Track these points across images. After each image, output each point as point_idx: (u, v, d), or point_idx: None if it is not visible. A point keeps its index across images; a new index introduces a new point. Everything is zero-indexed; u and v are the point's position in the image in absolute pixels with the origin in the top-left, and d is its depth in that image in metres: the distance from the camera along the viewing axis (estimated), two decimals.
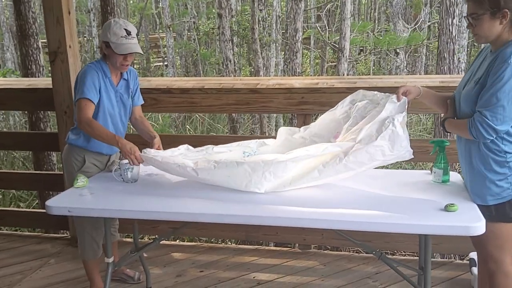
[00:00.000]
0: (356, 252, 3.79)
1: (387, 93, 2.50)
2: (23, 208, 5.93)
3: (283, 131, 2.86)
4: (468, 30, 2.48)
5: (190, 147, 2.79)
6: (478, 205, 2.21)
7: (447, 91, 2.77)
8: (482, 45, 2.36)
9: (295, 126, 3.03)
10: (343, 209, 2.25)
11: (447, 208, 2.14)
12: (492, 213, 2.20)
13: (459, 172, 2.71)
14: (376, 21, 15.48)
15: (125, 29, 2.69)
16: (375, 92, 2.59)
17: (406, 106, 2.41)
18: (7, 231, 4.51)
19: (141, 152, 2.65)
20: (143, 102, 3.08)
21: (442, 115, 2.49)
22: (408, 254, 4.03)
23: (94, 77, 2.71)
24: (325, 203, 2.32)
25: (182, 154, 2.71)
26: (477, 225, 2.04)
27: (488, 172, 2.19)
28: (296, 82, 3.55)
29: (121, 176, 2.66)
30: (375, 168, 2.45)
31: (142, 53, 2.82)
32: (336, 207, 2.28)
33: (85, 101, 2.67)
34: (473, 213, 2.13)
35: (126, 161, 2.64)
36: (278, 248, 3.94)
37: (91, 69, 2.73)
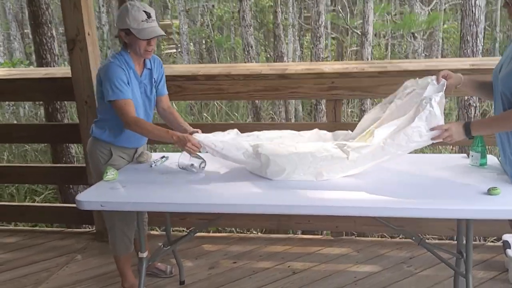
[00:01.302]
0: (389, 238, 3.75)
1: (428, 76, 2.42)
2: (38, 202, 5.84)
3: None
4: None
5: (239, 132, 2.68)
6: None
7: (478, 74, 2.69)
8: None
9: (322, 112, 2.96)
10: (381, 195, 2.20)
11: (490, 192, 2.10)
12: None
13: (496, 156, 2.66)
14: (392, 3, 15.24)
15: (144, 11, 2.52)
16: (417, 79, 2.50)
17: (444, 88, 2.33)
18: (27, 227, 4.42)
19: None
20: (167, 93, 2.92)
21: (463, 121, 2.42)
22: (439, 238, 3.98)
23: (122, 74, 2.56)
24: (361, 190, 2.27)
25: (233, 138, 2.60)
26: None
27: None
28: (326, 67, 3.45)
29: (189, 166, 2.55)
30: (412, 152, 2.39)
31: (166, 35, 2.64)
32: (375, 193, 2.23)
33: (123, 101, 2.54)
34: None
35: (185, 161, 2.53)
36: (310, 236, 3.86)
37: (116, 66, 2.56)
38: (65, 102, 5.05)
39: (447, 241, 3.71)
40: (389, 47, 12.20)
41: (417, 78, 2.49)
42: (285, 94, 3.49)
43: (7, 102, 8.84)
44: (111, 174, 2.51)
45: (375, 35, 10.72)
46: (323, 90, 3.38)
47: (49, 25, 4.98)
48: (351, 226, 3.62)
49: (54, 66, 5.01)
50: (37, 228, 4.39)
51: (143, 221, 2.95)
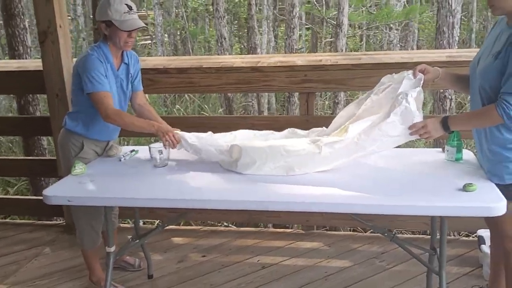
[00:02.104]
0: (360, 232, 3.75)
1: (404, 70, 2.40)
2: (11, 193, 5.79)
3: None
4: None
5: (213, 133, 2.70)
6: (495, 184, 2.14)
7: (455, 67, 2.68)
8: (498, 18, 2.25)
9: (295, 105, 2.96)
10: (354, 191, 2.16)
11: (465, 188, 2.07)
12: (510, 192, 2.12)
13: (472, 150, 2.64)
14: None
15: (126, 4, 2.57)
16: (393, 74, 2.48)
17: (422, 82, 2.31)
18: None
19: None
20: (142, 89, 2.94)
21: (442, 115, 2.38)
22: (412, 232, 4.00)
23: (100, 66, 2.57)
24: (335, 186, 2.23)
25: (209, 136, 2.64)
26: (499, 205, 1.97)
27: (506, 151, 2.12)
28: (299, 59, 3.46)
29: (151, 160, 2.58)
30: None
31: (146, 27, 2.67)
32: (347, 189, 2.19)
33: (103, 94, 2.56)
34: (493, 193, 2.07)
35: (155, 144, 2.56)
36: (281, 230, 3.87)
37: (94, 59, 2.58)
38: (37, 95, 5.00)
39: (421, 236, 3.70)
40: (364, 38, 12.26)
41: (394, 73, 2.47)
42: (258, 87, 3.49)
43: None
44: (79, 168, 2.51)
45: (350, 25, 10.78)
46: (295, 83, 3.36)
47: (22, 17, 4.92)
48: (322, 220, 3.61)
49: (26, 58, 4.95)
50: (8, 220, 4.35)
51: (113, 215, 2.98)
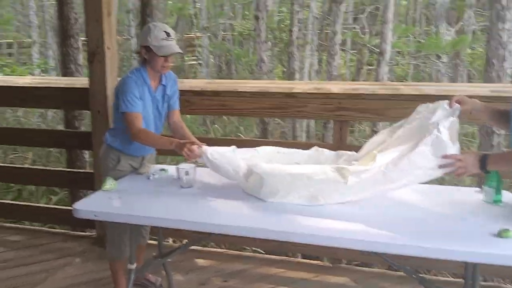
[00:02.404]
0: (389, 269, 3.57)
1: (441, 100, 2.32)
2: (53, 201, 6.00)
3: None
4: None
5: (236, 148, 2.71)
6: None
7: (499, 102, 2.56)
8: None
9: (331, 133, 2.91)
10: (380, 229, 2.08)
11: (500, 234, 1.96)
12: None
13: None
14: (417, 23, 15.10)
15: (165, 31, 2.71)
16: (428, 104, 2.41)
17: (457, 113, 2.23)
18: (35, 227, 4.55)
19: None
20: (179, 108, 3.04)
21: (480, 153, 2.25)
22: (445, 274, 3.78)
23: (135, 89, 2.74)
24: (362, 221, 2.16)
25: (232, 152, 2.65)
26: None
27: None
28: (334, 87, 3.44)
29: (178, 180, 2.66)
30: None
31: (182, 52, 2.79)
32: (372, 225, 2.11)
33: (133, 114, 2.72)
34: None
35: (183, 165, 2.65)
36: (307, 261, 3.79)
37: (131, 81, 2.75)
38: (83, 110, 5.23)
39: (456, 280, 3.48)
40: (411, 67, 12.08)
41: (429, 103, 2.39)
42: (291, 113, 3.50)
43: None
44: (109, 184, 2.60)
45: (398, 53, 10.67)
46: (329, 111, 3.34)
47: (76, 37, 5.21)
48: (350, 254, 3.48)
49: (77, 76, 5.22)
50: (43, 228, 4.52)
51: (143, 231, 3.08)
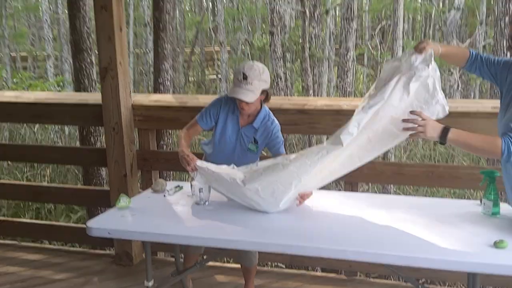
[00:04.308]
0: (404, 281, 3.52)
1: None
2: (73, 220, 6.02)
3: None
4: None
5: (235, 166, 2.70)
6: None
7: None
8: None
9: None
10: (387, 241, 2.16)
11: (496, 245, 2.02)
12: None
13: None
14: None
15: (243, 73, 2.65)
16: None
17: (433, 57, 2.24)
18: (54, 246, 4.54)
19: None
20: (283, 152, 2.88)
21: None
22: (460, 285, 3.80)
23: (215, 107, 2.84)
24: (367, 234, 2.24)
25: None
26: None
27: None
28: (345, 103, 3.42)
29: (192, 196, 2.65)
30: (421, 195, 2.35)
31: (247, 101, 2.68)
32: (380, 238, 2.19)
33: (194, 121, 2.88)
34: None
35: (195, 181, 2.61)
36: (323, 274, 3.79)
37: (217, 100, 2.88)
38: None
39: None
40: None
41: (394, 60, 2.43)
42: (304, 129, 3.51)
43: None
44: (123, 201, 2.58)
45: None
46: (341, 127, 3.35)
47: (89, 52, 5.22)
48: (365, 266, 3.50)
49: (91, 91, 5.21)
50: (62, 247, 4.51)
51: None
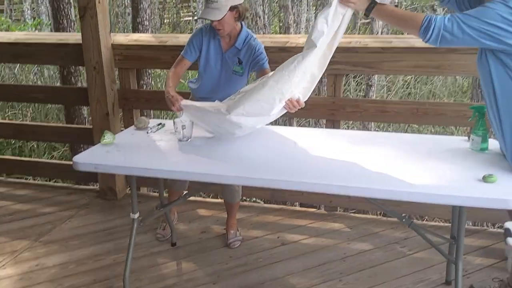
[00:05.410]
0: (384, 216, 3.71)
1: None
2: (56, 157, 6.10)
3: None
4: None
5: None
6: None
7: None
8: None
9: (325, 87, 2.93)
10: (372, 176, 2.15)
11: (485, 179, 2.01)
12: None
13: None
14: None
15: None
16: None
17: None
18: (39, 182, 4.66)
19: None
20: (266, 68, 2.91)
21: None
22: (438, 220, 3.92)
23: (197, 36, 2.91)
24: (354, 168, 2.23)
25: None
26: None
27: None
28: None
29: (175, 133, 2.68)
30: (409, 132, 2.34)
31: (214, 19, 2.72)
32: (364, 173, 2.18)
33: (180, 57, 2.95)
34: None
35: (179, 119, 2.67)
36: (303, 209, 3.91)
37: (199, 29, 2.94)
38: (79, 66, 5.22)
39: (446, 224, 3.57)
40: None
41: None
42: None
43: None
44: (108, 138, 2.63)
45: (396, 6, 10.48)
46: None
47: None
48: (345, 202, 3.61)
49: (70, 31, 5.15)
50: (47, 182, 4.62)
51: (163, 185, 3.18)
